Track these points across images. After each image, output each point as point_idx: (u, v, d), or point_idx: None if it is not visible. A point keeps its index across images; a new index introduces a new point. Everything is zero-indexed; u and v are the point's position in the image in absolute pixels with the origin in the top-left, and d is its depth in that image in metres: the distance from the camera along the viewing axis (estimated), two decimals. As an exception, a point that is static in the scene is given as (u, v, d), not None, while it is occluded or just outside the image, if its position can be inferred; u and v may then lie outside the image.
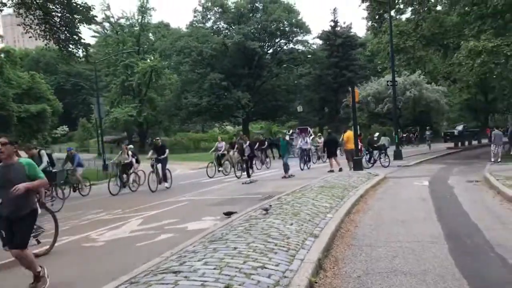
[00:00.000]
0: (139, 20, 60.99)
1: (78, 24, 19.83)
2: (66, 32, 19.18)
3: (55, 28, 19.14)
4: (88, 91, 77.35)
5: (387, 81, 25.81)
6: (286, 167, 17.80)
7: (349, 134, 18.37)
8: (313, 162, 23.96)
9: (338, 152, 19.97)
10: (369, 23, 30.80)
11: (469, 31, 23.29)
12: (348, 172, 15.82)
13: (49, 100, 53.66)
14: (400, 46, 26.35)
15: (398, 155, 23.77)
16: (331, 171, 18.23)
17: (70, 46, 20.07)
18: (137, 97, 58.81)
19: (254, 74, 56.10)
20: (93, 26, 77.22)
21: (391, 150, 24.49)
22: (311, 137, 32.26)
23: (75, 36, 19.67)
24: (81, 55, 20.32)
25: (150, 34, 65.00)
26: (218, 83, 51.16)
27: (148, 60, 56.23)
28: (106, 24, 63.90)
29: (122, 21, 61.34)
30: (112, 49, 57.66)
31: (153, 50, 61.25)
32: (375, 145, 21.17)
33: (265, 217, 7.52)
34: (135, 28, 61.83)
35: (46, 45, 20.11)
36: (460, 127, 46.25)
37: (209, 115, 55.57)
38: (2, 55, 49.55)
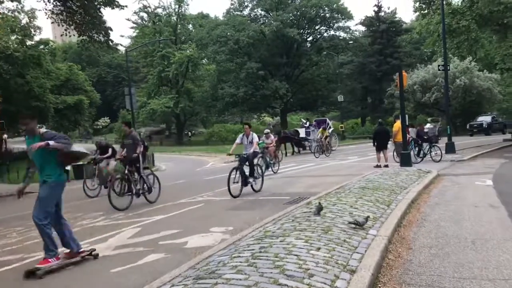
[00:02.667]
0: (176, 10, 59.90)
1: (99, 6, 18.38)
2: (84, 15, 17.75)
3: (73, 11, 17.74)
4: (130, 83, 77.43)
5: (438, 65, 23.08)
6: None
7: (400, 124, 16.08)
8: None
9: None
10: (417, 4, 27.98)
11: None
12: (395, 169, 13.61)
13: (87, 91, 53.33)
14: (453, 26, 23.58)
15: (450, 148, 21.16)
16: (378, 166, 16.19)
17: (91, 31, 18.65)
18: (174, 88, 57.91)
19: (293, 62, 53.83)
20: (132, 17, 77.23)
21: (442, 142, 22.07)
22: (330, 130, 29.92)
23: (95, 20, 18.24)
24: (102, 40, 18.93)
25: (190, 26, 63.98)
26: (255, 72, 49.29)
27: (187, 51, 54.99)
28: (144, 15, 63.41)
29: (159, 10, 60.46)
30: (149, 40, 56.86)
31: (190, 40, 60.08)
32: (425, 137, 18.78)
33: (284, 234, 5.62)
34: (172, 18, 60.83)
35: (65, 30, 18.78)
36: (488, 118, 41.99)
37: (246, 106, 53.92)
38: (41, 47, 49.57)
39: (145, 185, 11.16)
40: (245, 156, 11.77)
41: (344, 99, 51.50)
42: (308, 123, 29.96)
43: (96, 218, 9.43)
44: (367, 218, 6.30)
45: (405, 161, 14.52)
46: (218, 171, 19.75)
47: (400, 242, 5.97)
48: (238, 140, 12.44)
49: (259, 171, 12.47)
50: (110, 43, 19.54)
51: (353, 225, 6.09)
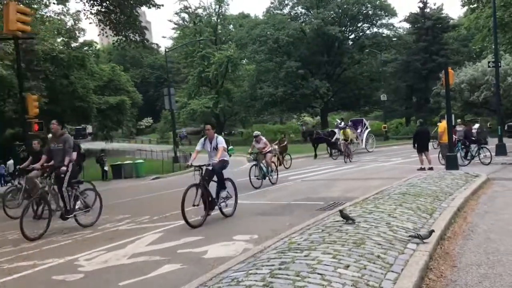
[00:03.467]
0: (216, 10, 60.00)
1: (134, 5, 18.31)
2: (120, 14, 17.71)
3: (109, 11, 17.75)
4: (171, 84, 78.51)
5: (489, 62, 21.66)
6: None
7: (446, 124, 15.03)
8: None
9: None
10: (465, -3, 26.61)
11: None
12: (440, 172, 12.67)
13: (129, 92, 54.27)
14: (505, 20, 22.15)
15: (501, 150, 19.80)
16: (422, 168, 15.24)
17: (127, 31, 18.62)
18: (213, 89, 58.01)
19: (334, 61, 52.68)
20: (173, 18, 78.15)
21: (492, 143, 20.74)
22: (367, 130, 28.55)
23: (131, 19, 18.17)
24: (138, 39, 18.86)
25: (231, 26, 63.99)
26: (294, 71, 48.54)
27: (227, 51, 54.87)
28: (186, 16, 63.90)
29: (200, 11, 60.71)
30: (190, 40, 57.21)
31: (230, 40, 60.03)
32: (473, 138, 17.59)
33: (310, 247, 5.04)
34: (213, 18, 60.98)
35: (102, 29, 18.83)
36: None
37: (286, 105, 53.17)
38: (85, 48, 50.79)
39: (77, 203, 8.78)
40: (210, 168, 8.68)
41: (387, 98, 49.89)
42: (343, 123, 28.21)
43: (121, 222, 9.12)
44: (431, 232, 5.60)
45: (451, 164, 13.51)
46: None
47: (444, 258, 5.25)
48: (198, 147, 9.16)
49: (230, 191, 9.26)
50: (146, 43, 19.50)
51: (415, 239, 5.43)
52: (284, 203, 10.15)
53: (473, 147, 17.27)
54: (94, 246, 6.81)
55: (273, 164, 15.46)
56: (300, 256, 4.71)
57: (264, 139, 15.12)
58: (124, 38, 18.91)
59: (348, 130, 24.67)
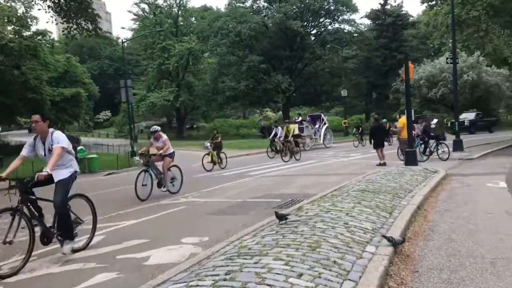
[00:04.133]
0: (177, 1, 58.67)
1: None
2: (70, 0, 16.70)
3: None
4: (129, 75, 76.47)
5: (447, 58, 21.84)
6: None
7: (405, 120, 14.94)
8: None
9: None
10: (424, -7, 26.78)
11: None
12: (399, 168, 12.52)
13: (85, 84, 52.38)
14: (462, 17, 22.33)
15: (458, 146, 20.03)
16: (382, 164, 15.29)
17: (78, 18, 17.60)
18: (174, 82, 56.80)
19: (296, 56, 52.53)
20: (133, 9, 75.93)
21: (449, 139, 21.00)
22: (324, 126, 28.53)
23: (82, 6, 17.18)
24: (90, 27, 17.85)
25: (193, 19, 62.81)
26: (256, 65, 48.06)
27: (188, 44, 53.68)
28: (146, 7, 62.25)
29: (160, 1, 59.20)
30: (149, 32, 55.72)
31: (191, 32, 58.90)
32: (432, 134, 17.67)
33: (262, 251, 4.57)
34: (173, 9, 59.63)
35: (52, 16, 17.75)
36: (471, 115, 39.51)
37: (248, 100, 52.66)
38: (39, 38, 48.50)
39: None
40: (43, 177, 5.60)
41: (348, 94, 50.26)
42: (300, 118, 28.21)
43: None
44: (404, 239, 5.27)
45: (411, 160, 13.38)
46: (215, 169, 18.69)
47: (404, 261, 4.90)
48: (24, 151, 6.12)
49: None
50: (99, 31, 18.49)
51: (386, 241, 5.04)
52: (241, 200, 9.68)
53: (432, 142, 17.33)
54: (22, 251, 6.10)
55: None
56: (249, 263, 4.23)
57: (165, 136, 11.57)
58: (75, 26, 17.86)
59: (291, 126, 22.62)
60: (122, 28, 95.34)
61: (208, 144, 18.54)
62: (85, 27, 17.80)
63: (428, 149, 17.18)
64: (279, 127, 23.12)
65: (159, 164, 11.20)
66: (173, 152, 11.61)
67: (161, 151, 11.07)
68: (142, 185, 10.48)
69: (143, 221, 7.89)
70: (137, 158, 13.94)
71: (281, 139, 21.53)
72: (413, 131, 15.18)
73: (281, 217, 6.04)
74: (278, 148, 21.90)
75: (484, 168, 14.17)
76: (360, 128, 29.39)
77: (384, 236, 5.10)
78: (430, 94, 42.50)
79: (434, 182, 10.45)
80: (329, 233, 5.33)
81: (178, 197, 10.57)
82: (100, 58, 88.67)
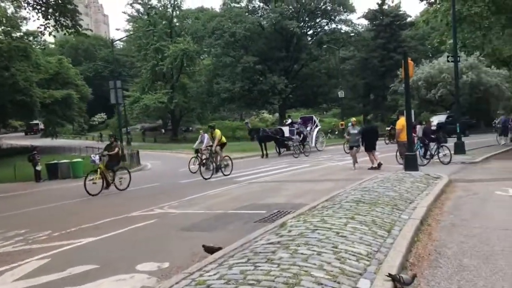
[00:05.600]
0: (172, 2, 57.63)
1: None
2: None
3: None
4: (124, 77, 75.40)
5: (448, 56, 20.81)
6: None
7: (404, 121, 13.84)
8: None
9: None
10: (423, -9, 25.71)
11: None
12: (398, 174, 11.46)
13: (77, 85, 51.24)
14: (463, 14, 21.33)
15: (459, 148, 19.02)
16: (374, 167, 14.62)
17: (56, 14, 16.55)
18: (169, 83, 55.73)
19: (292, 57, 51.53)
20: (128, 10, 74.83)
21: (451, 142, 19.99)
22: (316, 128, 27.56)
23: (59, 1, 16.13)
24: (70, 24, 16.79)
25: (189, 21, 61.81)
26: (252, 66, 47.03)
27: (182, 44, 52.53)
28: (141, 8, 61.22)
29: (154, 2, 58.17)
30: (143, 33, 54.69)
31: (186, 33, 57.88)
32: (433, 136, 16.65)
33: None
34: (168, 10, 58.60)
35: (28, 13, 16.70)
36: (442, 118, 34.58)
37: (243, 101, 51.60)
38: (30, 39, 47.39)
39: None
40: None
41: (345, 95, 49.29)
42: (290, 120, 26.99)
43: (9, 240, 7.28)
44: (414, 277, 4.12)
45: (411, 165, 12.33)
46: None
47: (407, 300, 3.84)
48: None
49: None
50: (79, 28, 17.39)
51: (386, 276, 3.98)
52: (221, 212, 8.60)
53: (433, 145, 16.32)
54: None
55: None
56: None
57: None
58: (53, 23, 16.79)
59: (218, 131, 16.92)
60: (117, 29, 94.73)
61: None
62: (64, 23, 16.74)
63: (428, 152, 16.16)
64: (205, 134, 18.79)
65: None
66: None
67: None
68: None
69: (102, 239, 6.82)
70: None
71: (203, 148, 17.64)
72: (413, 133, 14.18)
73: (210, 251, 4.98)
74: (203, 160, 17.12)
75: (490, 173, 13.13)
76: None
77: (389, 275, 4.02)
78: (429, 95, 41.56)
79: (437, 190, 9.40)
80: (313, 262, 4.28)
81: (153, 207, 9.49)
82: (96, 60, 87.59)
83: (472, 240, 5.76)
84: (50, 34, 17.46)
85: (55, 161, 23.22)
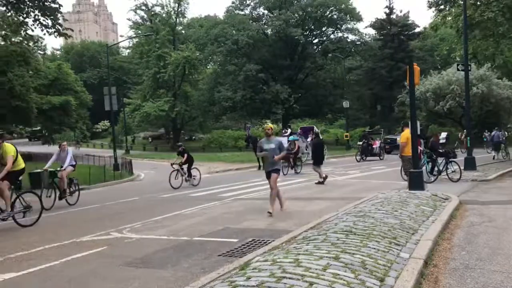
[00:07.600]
0: (175, 9, 56.65)
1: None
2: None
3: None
4: (128, 84, 74.45)
5: (458, 64, 19.39)
6: None
7: (409, 134, 12.20)
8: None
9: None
10: (432, -2, 24.38)
11: None
12: (402, 194, 9.99)
13: (77, 92, 50.14)
14: (476, 19, 19.98)
15: (470, 164, 17.56)
16: (321, 182, 15.19)
17: (34, 12, 15.35)
18: (171, 91, 54.57)
19: (297, 65, 50.20)
20: (132, 17, 74.02)
21: (460, 156, 18.56)
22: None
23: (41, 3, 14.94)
24: (50, 24, 15.60)
25: (193, 29, 60.90)
26: (254, 75, 45.69)
27: (185, 52, 51.37)
28: (145, 15, 60.35)
29: (157, 9, 57.23)
30: (145, 39, 53.69)
31: (188, 40, 56.83)
32: (440, 150, 15.21)
33: None
34: (172, 17, 57.63)
35: (6, 11, 15.50)
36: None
37: (246, 111, 50.25)
38: (30, 44, 46.52)
39: None
40: None
41: (352, 106, 47.88)
42: (289, 130, 25.72)
43: None
44: None
45: (416, 183, 10.82)
46: (185, 186, 16.20)
47: None
48: None
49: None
50: (59, 28, 16.16)
51: None
52: (185, 239, 7.16)
53: (440, 160, 14.86)
54: None
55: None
56: None
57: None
58: (33, 22, 15.61)
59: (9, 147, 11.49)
60: (121, 36, 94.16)
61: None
62: (44, 23, 15.54)
63: (436, 168, 14.68)
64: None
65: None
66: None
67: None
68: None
69: (21, 277, 5.41)
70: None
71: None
72: (419, 147, 12.71)
73: None
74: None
75: (506, 194, 11.63)
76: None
77: None
78: (437, 107, 40.01)
79: (446, 216, 7.94)
80: None
81: (111, 230, 8.07)
82: (100, 67, 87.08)
83: (492, 295, 4.31)
84: (26, 32, 16.23)
85: (38, 170, 21.93)
